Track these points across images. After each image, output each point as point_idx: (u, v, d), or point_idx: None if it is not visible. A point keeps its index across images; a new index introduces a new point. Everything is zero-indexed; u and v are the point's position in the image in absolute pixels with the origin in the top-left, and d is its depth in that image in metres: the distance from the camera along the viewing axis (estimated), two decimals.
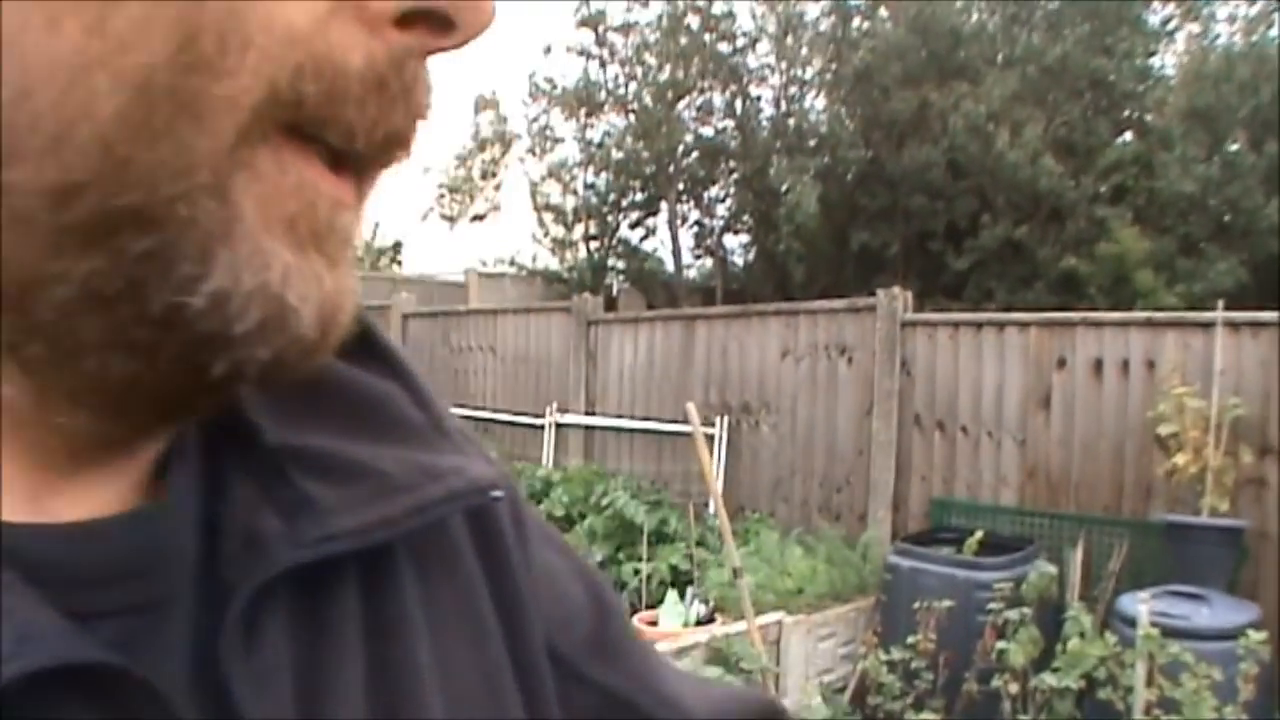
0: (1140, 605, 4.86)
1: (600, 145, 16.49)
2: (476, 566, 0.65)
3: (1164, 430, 5.95)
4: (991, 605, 5.28)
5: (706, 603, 6.73)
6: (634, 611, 7.23)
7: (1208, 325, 6.03)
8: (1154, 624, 4.83)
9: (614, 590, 0.83)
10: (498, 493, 0.62)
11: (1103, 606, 5.87)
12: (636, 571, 7.74)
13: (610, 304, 16.11)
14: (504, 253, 18.56)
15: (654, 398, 9.19)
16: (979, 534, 6.24)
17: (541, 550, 0.71)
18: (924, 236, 13.84)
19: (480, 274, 16.99)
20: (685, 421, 8.78)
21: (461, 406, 11.45)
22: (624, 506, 8.19)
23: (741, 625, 6.13)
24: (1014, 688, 4.95)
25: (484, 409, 11.20)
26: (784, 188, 13.91)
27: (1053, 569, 5.39)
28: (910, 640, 5.56)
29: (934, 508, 7.12)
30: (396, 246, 22.61)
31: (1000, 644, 5.08)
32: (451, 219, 18.69)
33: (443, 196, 18.69)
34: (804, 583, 6.62)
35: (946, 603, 5.52)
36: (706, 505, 8.41)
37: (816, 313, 8.00)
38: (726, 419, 8.49)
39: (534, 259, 18.04)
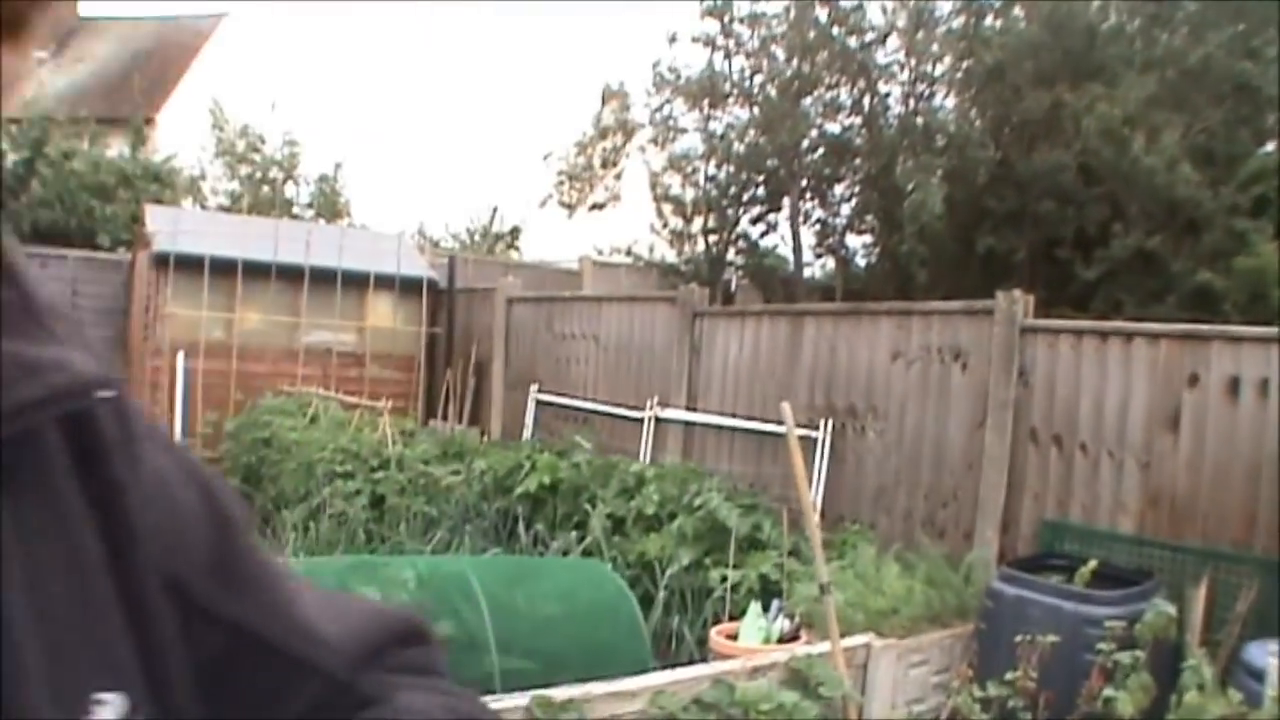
0: (1270, 658, 4.28)
1: (723, 137, 16.00)
2: (75, 486, 0.57)
3: None
4: (1101, 645, 4.73)
5: (792, 618, 6.26)
6: (717, 621, 6.78)
7: None
8: None
9: (231, 491, 0.76)
10: (106, 392, 0.57)
11: (1225, 655, 5.28)
12: (724, 578, 7.29)
13: (728, 299, 15.71)
14: (621, 243, 18.22)
15: (757, 396, 8.73)
16: (1092, 563, 5.69)
17: (152, 454, 0.65)
18: (1052, 243, 13.12)
19: (595, 262, 16.67)
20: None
21: (561, 394, 11.13)
22: (716, 508, 7.75)
23: (826, 646, 5.66)
24: None
25: (584, 398, 10.85)
26: (909, 187, 13.33)
27: (1171, 609, 4.79)
28: (1009, 676, 5.03)
29: (1045, 530, 6.56)
30: (514, 232, 22.41)
31: (1108, 691, 4.53)
32: (570, 206, 18.34)
33: (562, 183, 18.37)
34: (899, 603, 6.10)
35: (1051, 638, 4.98)
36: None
37: (931, 314, 7.47)
38: (830, 422, 8.00)
39: (651, 250, 17.63)
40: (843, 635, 5.78)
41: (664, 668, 5.44)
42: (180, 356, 12.22)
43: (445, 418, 13.02)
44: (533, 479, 9.21)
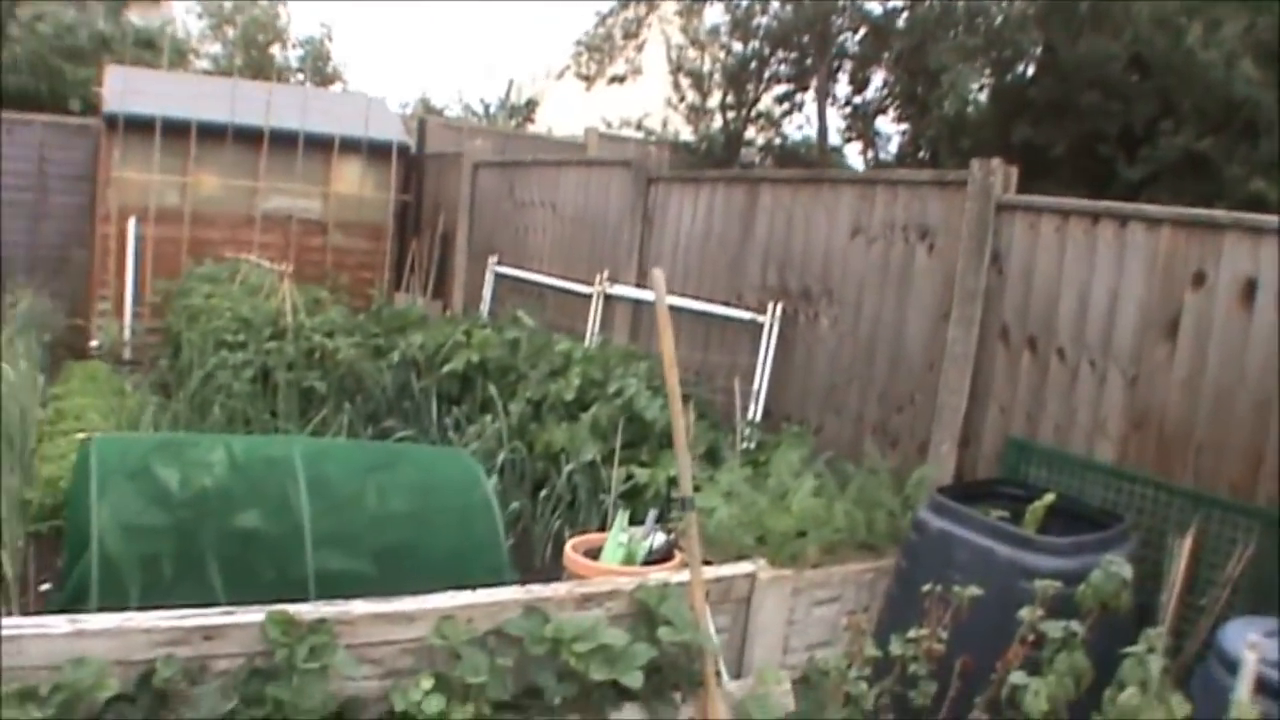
0: (1247, 650, 2.96)
1: (748, 8, 14.44)
2: None
3: None
4: (1024, 611, 3.42)
5: (670, 534, 5.00)
6: (603, 529, 5.53)
7: None
8: (1262, 678, 2.96)
9: None
10: None
11: (1205, 627, 3.98)
12: (629, 477, 6.03)
13: None
14: (635, 116, 16.78)
15: (708, 273, 7.38)
16: (1049, 497, 4.36)
17: None
18: (1095, 139, 11.54)
19: (601, 135, 15.25)
20: (739, 305, 7.07)
21: (518, 267, 9.86)
22: (635, 396, 6.47)
23: (717, 571, 4.40)
24: None
25: (538, 271, 9.57)
26: (944, 71, 11.84)
27: (1127, 570, 3.44)
28: (912, 633, 3.74)
29: (1010, 450, 5.20)
30: (530, 105, 20.96)
31: (1017, 675, 3.22)
32: (588, 78, 16.90)
33: (580, 55, 16.90)
34: (809, 525, 4.81)
35: (972, 590, 3.67)
36: (747, 409, 6.65)
37: (897, 184, 6.04)
38: (781, 306, 6.65)
39: (664, 124, 16.18)
40: (724, 562, 4.53)
41: (524, 582, 4.22)
42: (131, 222, 11.35)
43: (409, 289, 11.82)
44: (461, 357, 7.99)
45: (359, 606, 3.62)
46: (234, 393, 7.45)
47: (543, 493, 6.46)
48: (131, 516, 4.14)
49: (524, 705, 3.70)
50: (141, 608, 3.52)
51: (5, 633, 3.22)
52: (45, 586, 5.03)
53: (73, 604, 3.90)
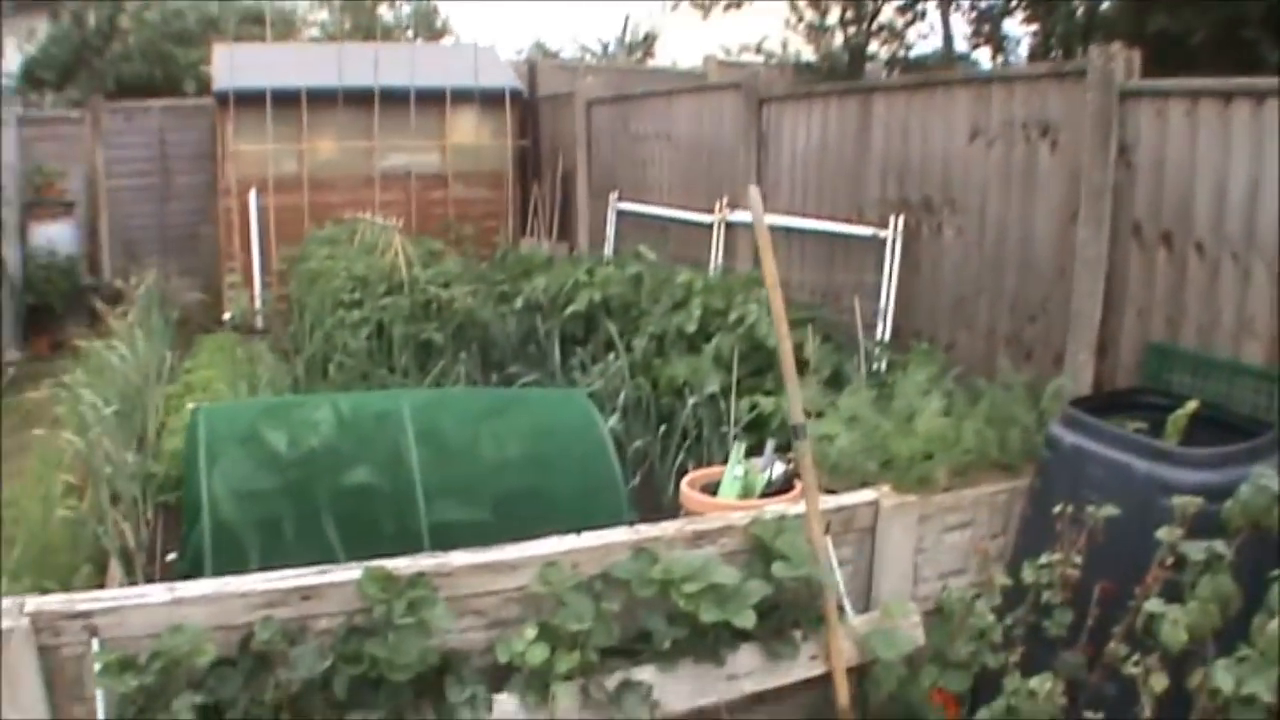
0: None
1: None
2: None
3: None
4: (1162, 531, 3.11)
5: (789, 464, 4.76)
6: (726, 461, 5.31)
7: None
8: None
9: None
10: None
11: None
12: (754, 407, 5.80)
13: None
14: (754, 41, 16.34)
15: (826, 191, 7.07)
16: (1191, 404, 4.00)
17: None
18: (1237, 23, 10.80)
19: (721, 62, 14.84)
20: (859, 222, 6.74)
21: (638, 201, 9.65)
22: (756, 323, 6.23)
23: (838, 500, 4.17)
24: (1159, 682, 2.81)
25: (658, 204, 9.34)
26: None
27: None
28: (1043, 559, 3.47)
29: (1151, 356, 4.81)
30: (648, 39, 20.60)
31: (1152, 603, 2.91)
32: (704, 6, 16.49)
33: None
34: (937, 447, 4.52)
35: (1109, 509, 3.38)
36: (874, 330, 6.36)
37: (1013, 80, 5.62)
38: (903, 219, 6.32)
39: (784, 46, 15.73)
40: (845, 491, 4.29)
41: (650, 522, 4.04)
42: (252, 194, 11.56)
43: (534, 234, 11.71)
44: (583, 297, 7.83)
45: (458, 557, 3.49)
46: (351, 351, 7.43)
47: (663, 428, 6.28)
48: (241, 481, 4.12)
49: (633, 651, 3.55)
50: (263, 569, 3.46)
51: (106, 604, 3.18)
52: (171, 556, 5.05)
53: (193, 572, 3.87)
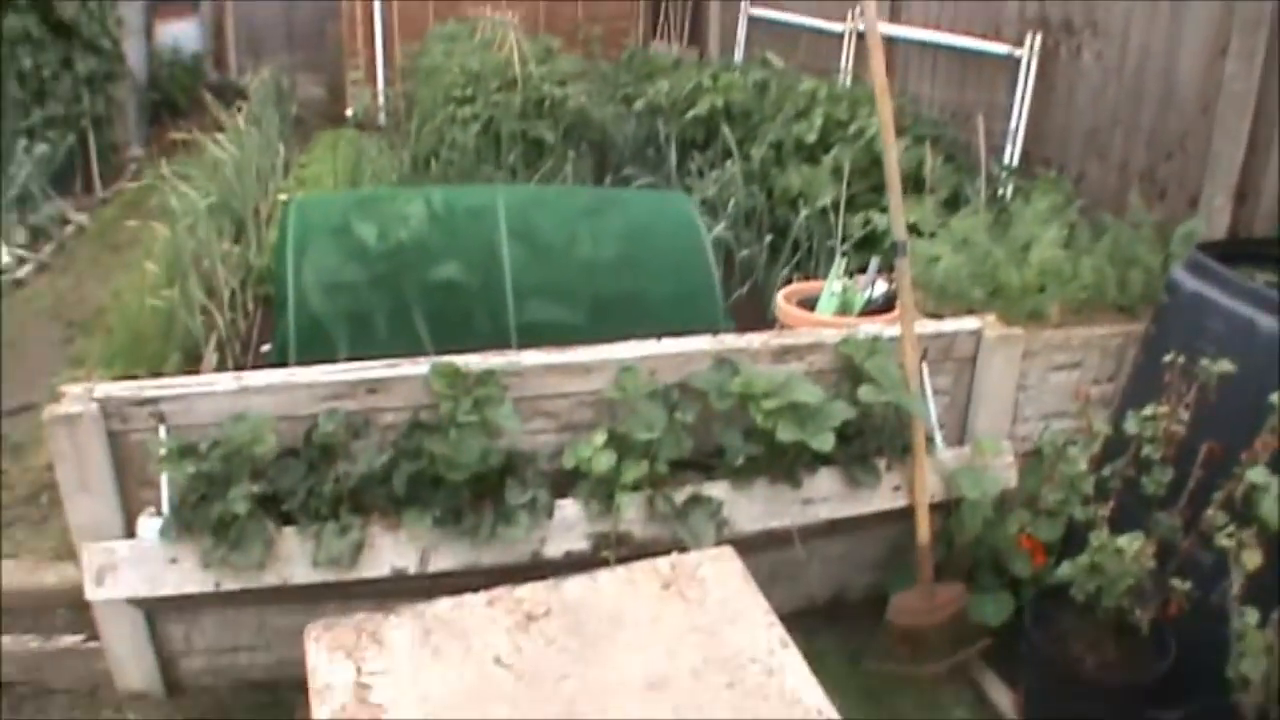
0: None
1: None
2: None
3: None
4: (1275, 397, 2.81)
5: (892, 283, 4.50)
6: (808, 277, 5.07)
7: None
8: None
9: None
10: None
11: None
12: (868, 223, 5.53)
13: None
14: None
15: (964, 6, 6.59)
16: None
17: None
18: None
19: None
20: (995, 39, 6.27)
21: (769, 6, 9.20)
22: (876, 137, 5.89)
23: (938, 326, 3.91)
24: (1253, 559, 2.56)
25: (789, 9, 8.88)
26: None
27: None
28: (1147, 411, 3.19)
29: None
30: None
31: (1256, 471, 2.64)
32: None
33: None
34: (1050, 280, 4.22)
35: (1224, 365, 3.08)
36: (1001, 152, 5.99)
37: None
38: (1041, 38, 5.85)
39: None
40: (951, 316, 4.03)
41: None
42: None
43: (664, 37, 11.30)
44: (705, 101, 7.53)
45: (530, 357, 3.35)
46: (459, 147, 7.24)
47: (768, 239, 6.03)
48: (329, 273, 4.06)
49: (705, 466, 3.39)
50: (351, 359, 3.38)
51: (174, 392, 3.14)
52: (266, 348, 5.02)
53: (281, 364, 3.81)
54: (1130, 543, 2.95)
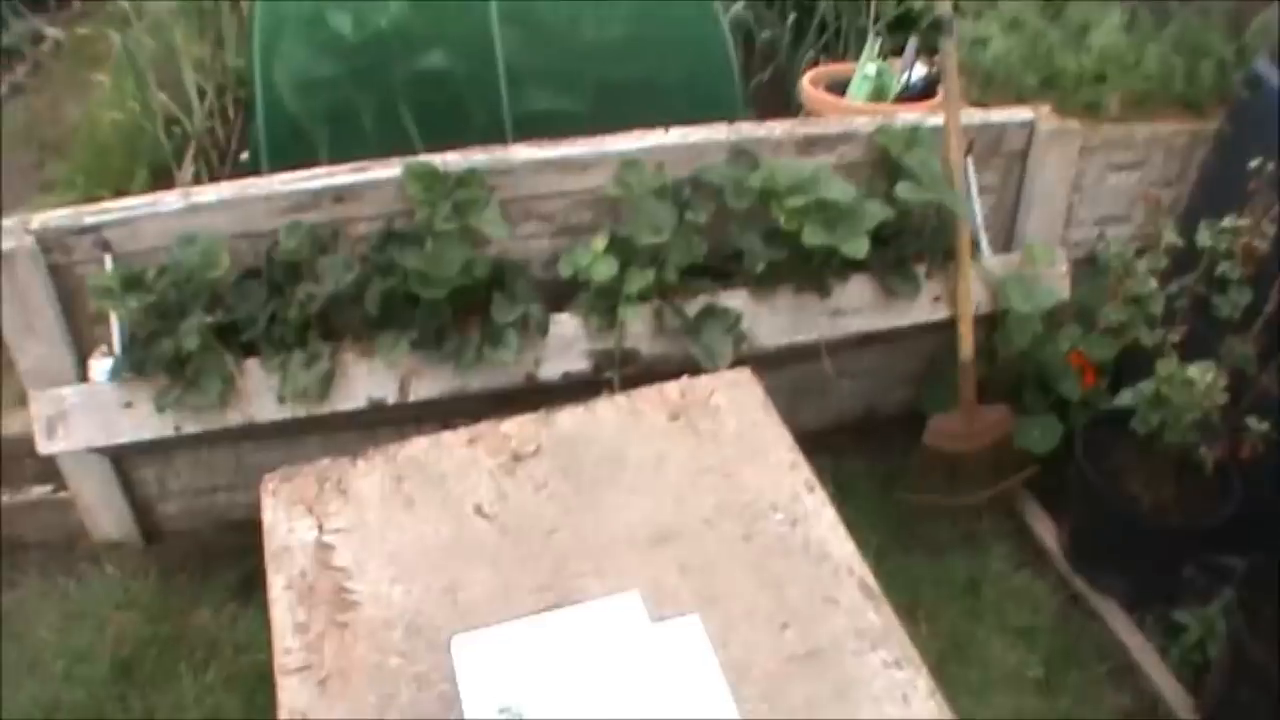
0: None
1: None
2: None
3: None
4: None
5: (933, 67, 3.99)
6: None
7: None
8: None
9: None
10: None
11: None
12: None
13: None
14: None
15: None
16: None
17: None
18: None
19: None
20: None
21: None
22: None
23: (985, 116, 3.43)
24: None
25: None
26: None
27: None
28: (1225, 223, 2.73)
29: None
30: None
31: None
32: None
33: None
34: (1111, 68, 3.71)
35: None
36: None
37: None
38: None
39: None
40: (999, 106, 3.54)
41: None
42: None
43: None
44: None
45: (520, 152, 2.91)
46: None
47: (791, 18, 5.47)
48: (302, 70, 3.59)
49: (721, 273, 2.97)
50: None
51: (117, 216, 2.74)
52: (244, 156, 4.55)
53: (256, 172, 3.40)
54: (1203, 374, 2.57)
